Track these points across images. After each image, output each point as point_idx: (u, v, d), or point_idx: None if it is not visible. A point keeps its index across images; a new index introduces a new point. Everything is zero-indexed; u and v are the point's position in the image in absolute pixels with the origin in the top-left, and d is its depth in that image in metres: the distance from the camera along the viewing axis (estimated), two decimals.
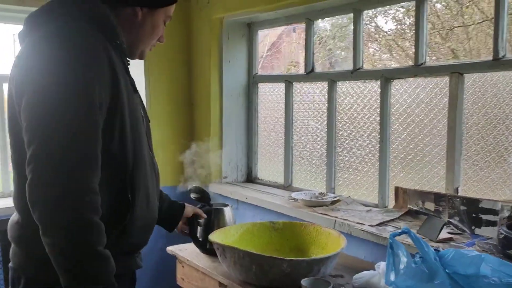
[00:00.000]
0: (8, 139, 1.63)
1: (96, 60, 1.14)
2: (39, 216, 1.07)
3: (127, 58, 1.34)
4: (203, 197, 1.93)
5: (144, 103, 1.55)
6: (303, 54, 2.68)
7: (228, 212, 2.02)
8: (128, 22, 1.31)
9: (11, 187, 1.48)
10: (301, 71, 2.75)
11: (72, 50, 1.12)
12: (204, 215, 1.83)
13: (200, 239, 1.92)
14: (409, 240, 1.45)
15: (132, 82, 1.32)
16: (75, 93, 1.09)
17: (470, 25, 3.23)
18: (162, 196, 1.64)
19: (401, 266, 1.27)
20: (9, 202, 1.66)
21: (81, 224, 1.07)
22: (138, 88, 1.38)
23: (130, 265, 1.37)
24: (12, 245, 1.28)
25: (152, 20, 1.34)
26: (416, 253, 1.35)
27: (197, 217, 1.79)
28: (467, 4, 3.46)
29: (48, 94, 1.09)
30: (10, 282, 1.28)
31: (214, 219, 1.95)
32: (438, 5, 3.53)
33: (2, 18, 2.59)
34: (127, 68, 1.32)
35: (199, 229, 1.87)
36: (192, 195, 1.94)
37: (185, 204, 1.75)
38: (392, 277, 1.27)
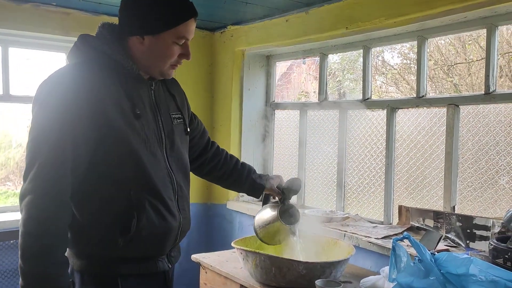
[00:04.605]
0: None
1: (73, 107, 1.32)
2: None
3: (157, 79, 1.50)
4: (283, 193, 1.87)
5: None
6: (313, 84, 2.93)
7: (288, 230, 1.86)
8: (137, 49, 1.44)
9: None
10: (311, 100, 3.01)
11: (59, 96, 1.33)
12: (276, 197, 1.88)
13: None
14: (412, 250, 1.67)
15: (133, 109, 1.41)
16: (50, 130, 1.31)
17: (470, 62, 3.49)
18: (244, 174, 1.85)
19: (402, 265, 1.49)
20: None
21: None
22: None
23: (151, 267, 1.50)
24: None
25: (159, 44, 1.42)
26: (415, 256, 1.57)
27: (270, 195, 1.91)
28: (469, 42, 3.73)
29: (36, 125, 1.34)
30: None
31: (277, 221, 1.84)
32: (442, 42, 3.79)
33: (48, 46, 2.90)
34: (131, 92, 1.43)
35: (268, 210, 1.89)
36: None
37: (269, 179, 1.86)
38: (394, 274, 1.49)
